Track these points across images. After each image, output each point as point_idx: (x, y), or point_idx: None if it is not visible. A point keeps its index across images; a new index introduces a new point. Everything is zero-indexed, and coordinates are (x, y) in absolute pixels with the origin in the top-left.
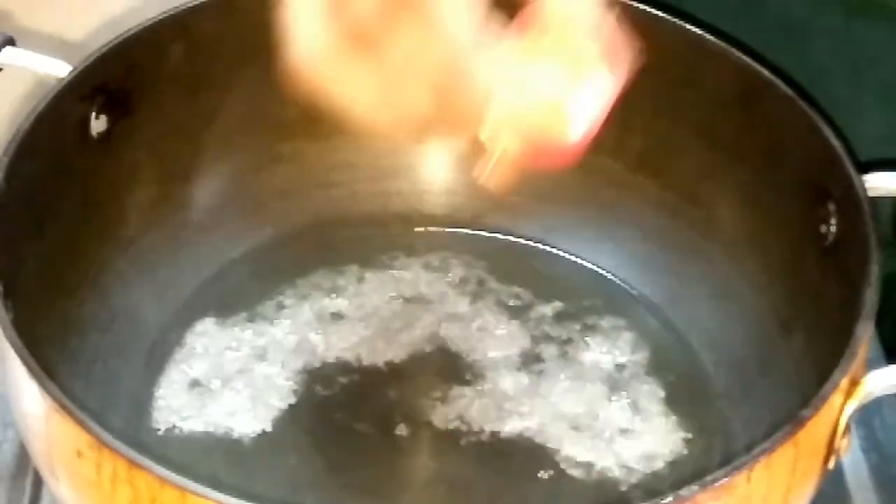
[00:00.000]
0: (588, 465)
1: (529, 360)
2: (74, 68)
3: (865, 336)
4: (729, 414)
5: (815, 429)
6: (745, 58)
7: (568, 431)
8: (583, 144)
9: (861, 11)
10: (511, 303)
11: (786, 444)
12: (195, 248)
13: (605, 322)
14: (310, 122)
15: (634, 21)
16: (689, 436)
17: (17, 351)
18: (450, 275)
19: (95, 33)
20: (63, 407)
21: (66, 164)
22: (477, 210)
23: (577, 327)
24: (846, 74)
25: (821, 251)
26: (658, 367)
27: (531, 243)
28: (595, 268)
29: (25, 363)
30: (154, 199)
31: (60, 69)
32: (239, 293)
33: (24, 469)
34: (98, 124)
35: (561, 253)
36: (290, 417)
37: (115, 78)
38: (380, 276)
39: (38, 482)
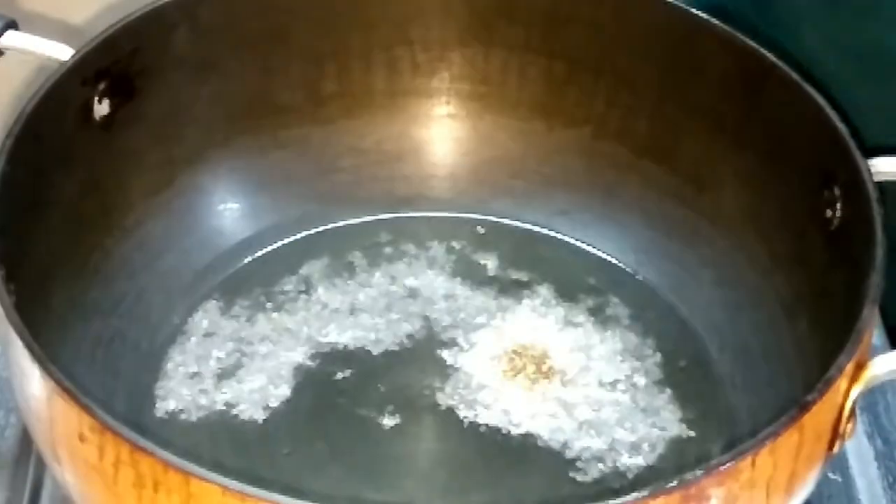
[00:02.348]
0: (591, 450)
1: (532, 345)
2: (77, 52)
3: (870, 321)
4: (733, 399)
5: (820, 414)
6: (750, 42)
7: (570, 417)
8: None
9: None
10: (514, 288)
11: (791, 429)
12: (198, 233)
13: (609, 307)
14: (314, 107)
15: (640, 5)
16: (694, 421)
17: (19, 335)
18: (454, 260)
19: (98, 17)
20: (65, 390)
21: (68, 149)
22: (481, 195)
23: (581, 312)
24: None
25: (826, 236)
26: (662, 352)
27: (536, 228)
28: (599, 253)
29: (28, 347)
30: (157, 183)
31: (63, 53)
32: (242, 279)
33: (27, 453)
34: (101, 108)
35: (565, 238)
36: (292, 403)
37: (119, 62)
38: (383, 262)
39: (40, 467)
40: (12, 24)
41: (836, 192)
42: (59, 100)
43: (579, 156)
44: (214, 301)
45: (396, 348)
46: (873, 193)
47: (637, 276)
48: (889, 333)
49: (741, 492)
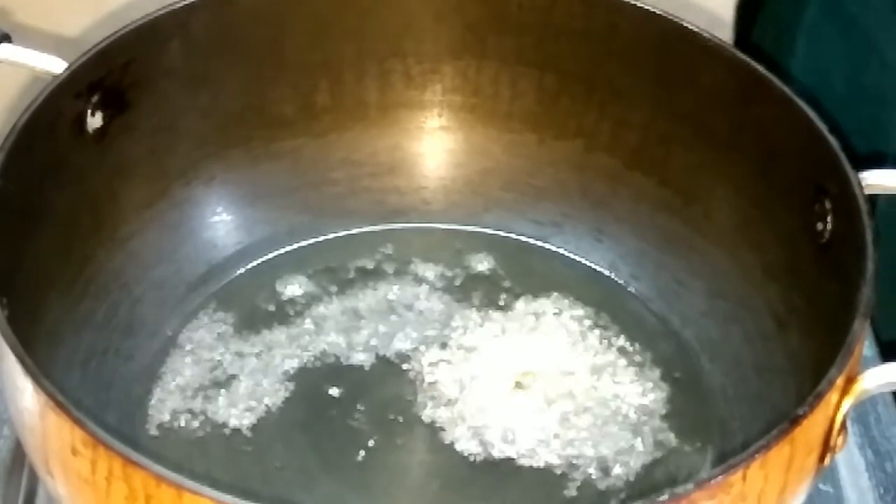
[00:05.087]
0: (582, 463)
1: (524, 358)
2: (70, 65)
3: (861, 334)
4: (725, 411)
5: (811, 427)
6: (741, 55)
7: (562, 429)
8: None
9: None
10: (507, 300)
11: (782, 442)
12: (191, 245)
13: (601, 319)
14: (307, 119)
15: (631, 18)
16: (685, 433)
17: (12, 348)
18: (447, 272)
19: (91, 30)
20: (58, 404)
21: (62, 161)
22: (474, 207)
23: (573, 325)
24: None
25: (817, 248)
26: (654, 364)
27: (527, 240)
28: (591, 265)
29: (21, 360)
30: (150, 195)
31: (56, 66)
32: (235, 291)
33: (20, 465)
34: (94, 121)
35: (557, 250)
36: (285, 415)
37: (112, 75)
38: (376, 274)
39: (33, 479)
40: (5, 37)
41: (827, 204)
42: (52, 112)
43: (571, 168)
44: (207, 313)
45: (388, 361)
46: (864, 206)
47: (629, 288)
48: (880, 346)
49: None
